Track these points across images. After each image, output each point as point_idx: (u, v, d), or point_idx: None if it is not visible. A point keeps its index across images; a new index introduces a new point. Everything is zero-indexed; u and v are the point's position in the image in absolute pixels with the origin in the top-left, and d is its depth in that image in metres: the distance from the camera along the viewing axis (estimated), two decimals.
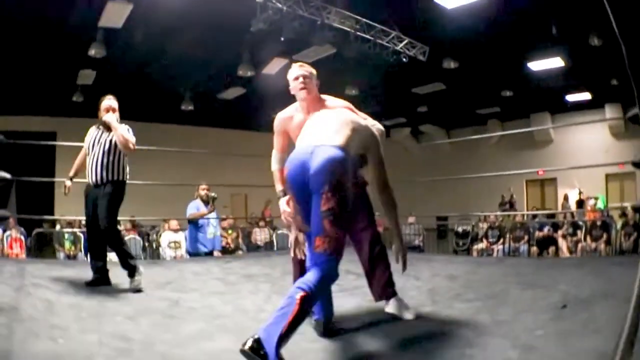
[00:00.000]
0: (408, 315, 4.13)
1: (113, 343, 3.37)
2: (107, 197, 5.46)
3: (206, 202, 9.28)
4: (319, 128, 3.54)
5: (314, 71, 4.24)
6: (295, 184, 3.39)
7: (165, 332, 3.73)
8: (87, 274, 5.79)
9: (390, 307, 4.25)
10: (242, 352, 2.86)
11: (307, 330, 3.75)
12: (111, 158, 5.60)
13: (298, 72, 4.17)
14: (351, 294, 5.00)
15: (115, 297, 4.91)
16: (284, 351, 2.85)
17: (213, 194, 9.18)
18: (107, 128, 5.65)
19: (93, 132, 5.75)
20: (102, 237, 5.55)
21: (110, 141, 5.62)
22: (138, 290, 5.15)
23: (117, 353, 3.20)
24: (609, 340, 3.03)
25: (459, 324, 3.87)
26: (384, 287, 4.29)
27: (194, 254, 9.35)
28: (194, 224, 9.35)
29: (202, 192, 9.34)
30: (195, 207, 9.33)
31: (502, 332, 3.56)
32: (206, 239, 9.39)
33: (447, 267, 6.69)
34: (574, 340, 3.26)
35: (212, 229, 9.57)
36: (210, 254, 9.39)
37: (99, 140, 5.63)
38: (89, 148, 5.66)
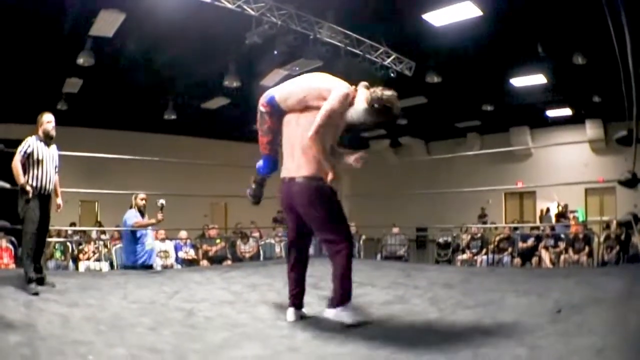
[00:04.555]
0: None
1: (145, 355, 3.40)
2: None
3: (142, 212, 8.65)
4: None
5: None
6: None
7: (192, 342, 3.78)
8: (87, 284, 6.00)
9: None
10: None
11: (337, 336, 3.89)
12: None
13: None
14: (357, 302, 5.09)
15: (128, 308, 4.93)
16: None
17: (162, 201, 8.32)
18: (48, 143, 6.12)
19: (40, 145, 6.01)
20: (43, 242, 6.15)
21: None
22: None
23: None
24: (604, 339, 3.35)
25: (467, 327, 4.05)
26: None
27: (129, 266, 8.60)
28: (133, 235, 8.61)
29: (141, 203, 8.66)
30: (134, 217, 8.56)
31: (507, 334, 3.76)
32: (144, 250, 8.64)
33: (441, 277, 6.80)
34: (572, 339, 3.46)
35: (150, 240, 8.94)
36: (148, 267, 8.66)
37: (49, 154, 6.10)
38: (39, 161, 5.95)
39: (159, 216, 8.37)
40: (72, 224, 17.92)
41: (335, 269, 4.25)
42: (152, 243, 9.10)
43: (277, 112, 4.53)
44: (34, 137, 5.96)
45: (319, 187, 4.28)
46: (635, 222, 5.19)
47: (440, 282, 6.28)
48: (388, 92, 4.27)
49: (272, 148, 4.68)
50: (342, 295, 4.24)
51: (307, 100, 4.36)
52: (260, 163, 4.85)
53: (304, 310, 4.55)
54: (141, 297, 5.49)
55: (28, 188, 5.71)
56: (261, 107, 4.57)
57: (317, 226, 4.36)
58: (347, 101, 4.28)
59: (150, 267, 8.77)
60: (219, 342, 3.76)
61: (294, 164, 4.35)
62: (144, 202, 8.70)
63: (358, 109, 4.27)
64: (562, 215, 18.43)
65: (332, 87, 4.33)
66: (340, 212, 4.43)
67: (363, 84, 4.42)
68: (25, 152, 5.82)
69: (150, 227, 8.84)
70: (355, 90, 4.38)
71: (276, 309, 4.95)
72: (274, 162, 4.74)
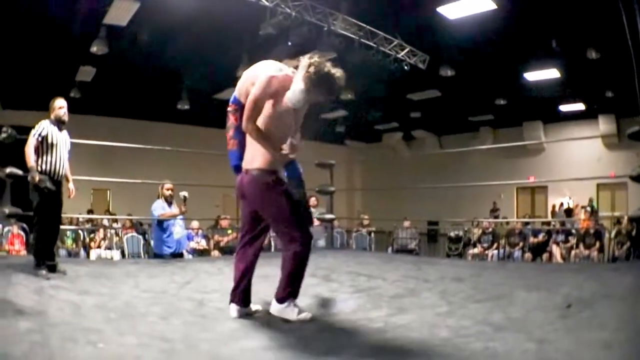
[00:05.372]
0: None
1: (155, 344, 3.39)
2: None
3: (169, 202, 8.86)
4: None
5: None
6: None
7: (202, 331, 3.78)
8: (98, 272, 6.09)
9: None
10: None
11: (346, 328, 3.88)
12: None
13: None
14: (368, 295, 5.14)
15: (139, 297, 4.95)
16: None
17: (185, 193, 8.70)
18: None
19: (54, 129, 6.08)
20: (56, 228, 6.28)
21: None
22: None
23: (164, 354, 3.22)
24: (613, 333, 3.37)
25: (476, 321, 4.01)
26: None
27: (158, 255, 8.85)
28: (160, 225, 8.81)
29: (167, 193, 8.86)
30: (161, 207, 8.78)
31: (517, 328, 3.75)
32: (172, 240, 8.83)
33: (452, 270, 6.81)
34: (581, 334, 3.49)
35: (179, 229, 9.03)
36: (178, 255, 8.95)
37: (62, 139, 6.18)
38: (53, 145, 6.03)
39: (182, 208, 8.71)
40: (90, 211, 18.03)
41: (283, 265, 4.14)
42: (182, 232, 9.19)
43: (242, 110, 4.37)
44: (47, 120, 6.06)
45: (268, 181, 4.14)
46: None
47: (450, 276, 6.27)
48: (327, 65, 4.03)
49: (234, 142, 4.50)
50: (288, 292, 4.12)
51: (250, 91, 4.17)
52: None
53: (253, 306, 4.39)
54: (152, 286, 5.52)
55: (35, 175, 5.81)
56: (228, 108, 4.48)
57: (270, 220, 4.25)
58: (270, 86, 4.04)
59: (180, 255, 9.02)
60: (229, 333, 3.76)
61: (249, 155, 4.26)
62: (170, 192, 8.90)
63: (295, 91, 4.00)
64: (570, 211, 18.39)
65: (259, 73, 4.18)
66: (294, 209, 4.20)
67: (305, 56, 4.14)
68: (40, 135, 5.90)
69: (179, 217, 9.00)
70: (292, 72, 4.15)
71: None
72: (236, 154, 4.53)
